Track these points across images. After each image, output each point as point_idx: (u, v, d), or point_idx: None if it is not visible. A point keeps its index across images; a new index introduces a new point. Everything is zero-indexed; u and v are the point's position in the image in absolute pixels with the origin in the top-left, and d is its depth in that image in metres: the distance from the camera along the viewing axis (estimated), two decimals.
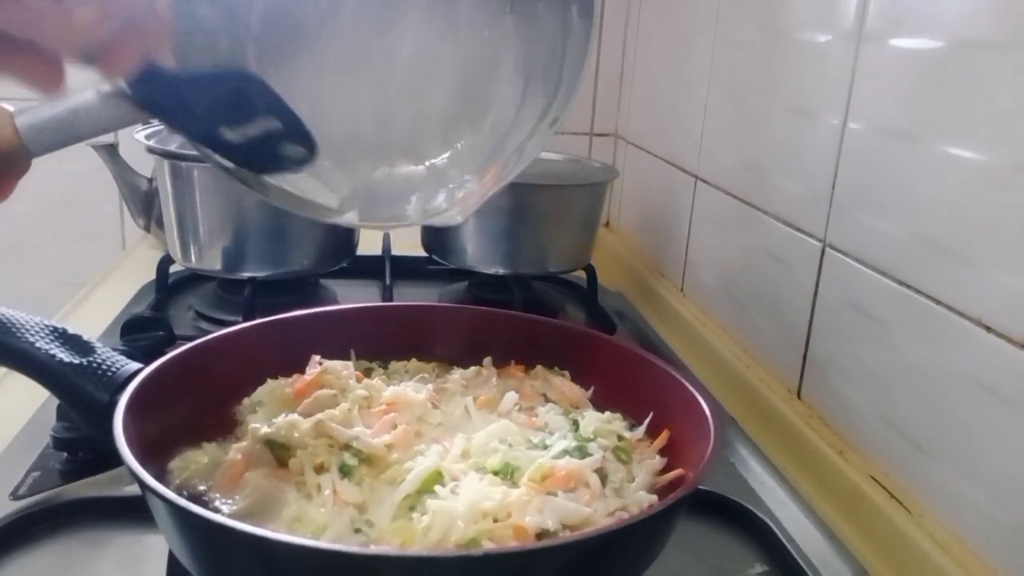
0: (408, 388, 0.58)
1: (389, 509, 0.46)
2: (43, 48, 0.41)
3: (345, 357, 0.63)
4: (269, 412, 0.56)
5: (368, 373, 0.63)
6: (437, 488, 0.47)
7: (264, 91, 0.52)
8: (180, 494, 0.46)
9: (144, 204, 1.14)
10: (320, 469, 0.50)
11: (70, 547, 0.57)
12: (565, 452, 0.52)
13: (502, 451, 0.51)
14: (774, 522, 0.61)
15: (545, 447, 0.53)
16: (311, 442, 0.51)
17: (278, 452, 0.51)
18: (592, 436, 0.55)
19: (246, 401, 0.58)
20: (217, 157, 0.53)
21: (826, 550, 0.61)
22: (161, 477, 0.50)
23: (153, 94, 0.48)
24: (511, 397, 0.60)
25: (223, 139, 0.52)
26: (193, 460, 0.52)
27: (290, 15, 0.58)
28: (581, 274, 1.10)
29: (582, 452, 0.52)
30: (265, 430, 0.52)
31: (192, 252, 0.97)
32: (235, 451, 0.51)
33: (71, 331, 0.58)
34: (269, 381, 0.59)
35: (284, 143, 0.53)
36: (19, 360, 0.57)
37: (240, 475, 0.49)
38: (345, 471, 0.49)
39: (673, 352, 0.98)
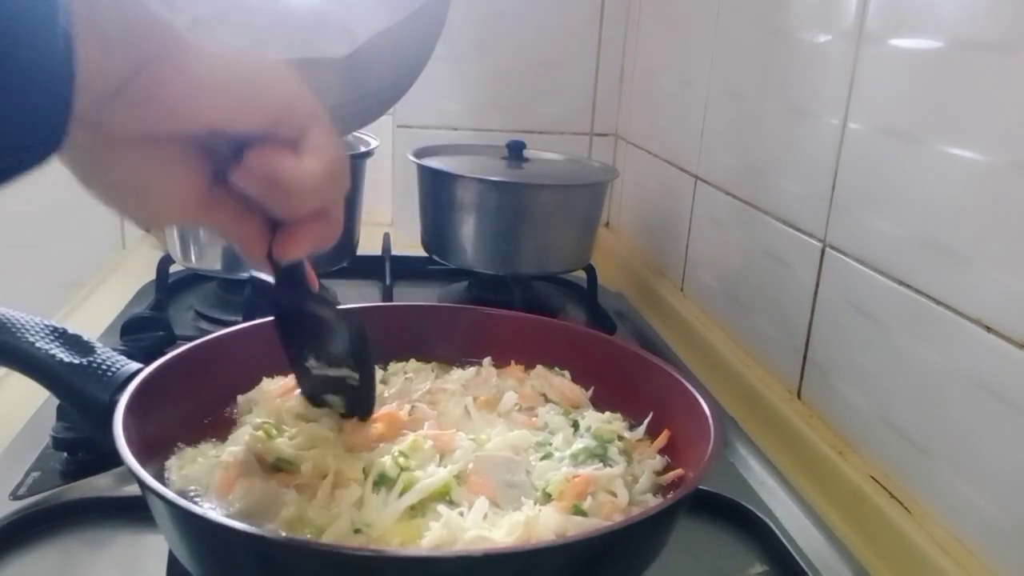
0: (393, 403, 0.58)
1: (392, 513, 0.46)
2: (266, 215, 0.43)
3: None
4: (263, 412, 0.55)
5: None
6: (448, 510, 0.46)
7: (367, 359, 0.52)
8: (179, 494, 0.46)
9: None
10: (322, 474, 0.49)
11: (70, 547, 0.57)
12: (587, 452, 0.52)
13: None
14: (774, 522, 0.61)
15: (548, 455, 0.53)
16: (307, 454, 0.50)
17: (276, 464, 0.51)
18: (609, 438, 0.55)
19: (240, 399, 0.58)
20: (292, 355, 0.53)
21: (826, 550, 0.61)
22: (160, 477, 0.50)
23: (287, 292, 0.48)
24: (511, 397, 0.60)
25: (304, 358, 0.52)
26: (189, 460, 0.52)
27: None
28: (581, 274, 1.10)
29: (603, 454, 0.53)
30: (261, 445, 0.51)
31: (192, 252, 0.97)
32: (224, 463, 0.50)
33: (71, 331, 0.58)
34: (264, 380, 0.59)
35: (350, 399, 0.54)
36: (19, 360, 0.57)
37: (232, 483, 0.48)
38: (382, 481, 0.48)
39: (673, 352, 0.98)
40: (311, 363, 0.52)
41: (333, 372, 0.52)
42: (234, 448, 0.51)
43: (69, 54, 0.29)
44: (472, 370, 0.64)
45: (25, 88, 0.28)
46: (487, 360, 0.65)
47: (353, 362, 0.52)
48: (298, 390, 0.56)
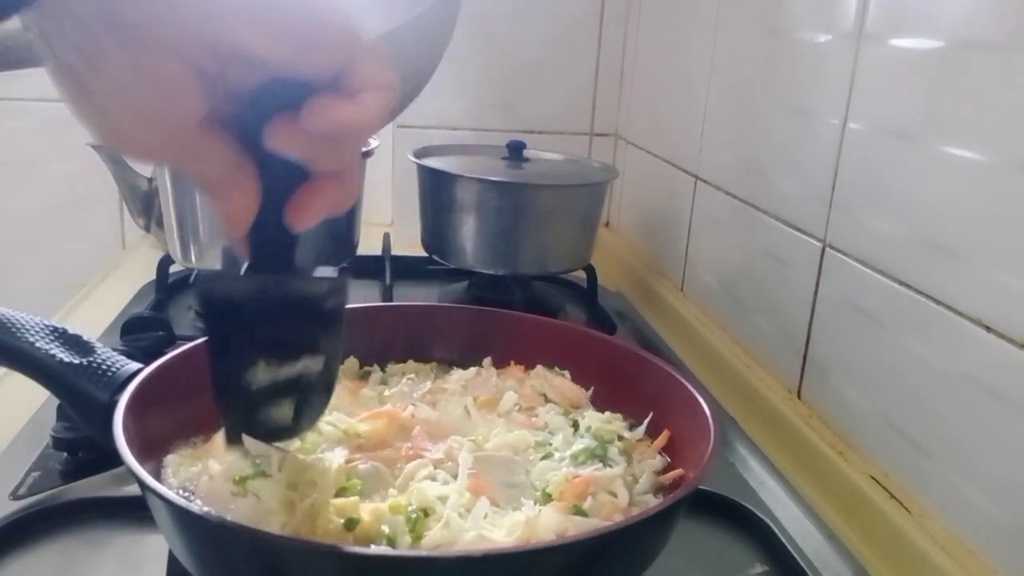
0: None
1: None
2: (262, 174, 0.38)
3: (344, 357, 0.63)
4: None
5: (366, 376, 0.63)
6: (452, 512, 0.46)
7: (335, 337, 0.44)
8: (179, 494, 0.46)
9: (144, 204, 1.14)
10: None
11: (70, 547, 0.57)
12: (587, 452, 0.52)
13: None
14: (774, 522, 0.61)
15: (548, 455, 0.53)
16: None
17: None
18: (609, 438, 0.55)
19: None
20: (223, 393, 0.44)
21: (826, 550, 0.61)
22: (160, 476, 0.50)
23: (264, 273, 0.41)
24: (511, 397, 0.60)
25: (245, 371, 0.43)
26: (189, 460, 0.51)
27: None
28: (581, 274, 1.10)
29: (603, 454, 0.53)
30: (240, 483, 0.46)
31: (192, 252, 0.97)
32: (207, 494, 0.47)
33: (71, 331, 0.58)
34: None
35: (302, 399, 0.45)
36: (19, 360, 0.57)
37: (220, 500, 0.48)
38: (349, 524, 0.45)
39: (673, 352, 0.98)
40: (255, 374, 0.43)
41: (286, 371, 0.43)
42: (217, 468, 0.48)
43: None
44: (472, 370, 0.64)
45: None
46: (487, 360, 0.65)
47: (320, 339, 0.44)
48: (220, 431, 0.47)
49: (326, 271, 0.44)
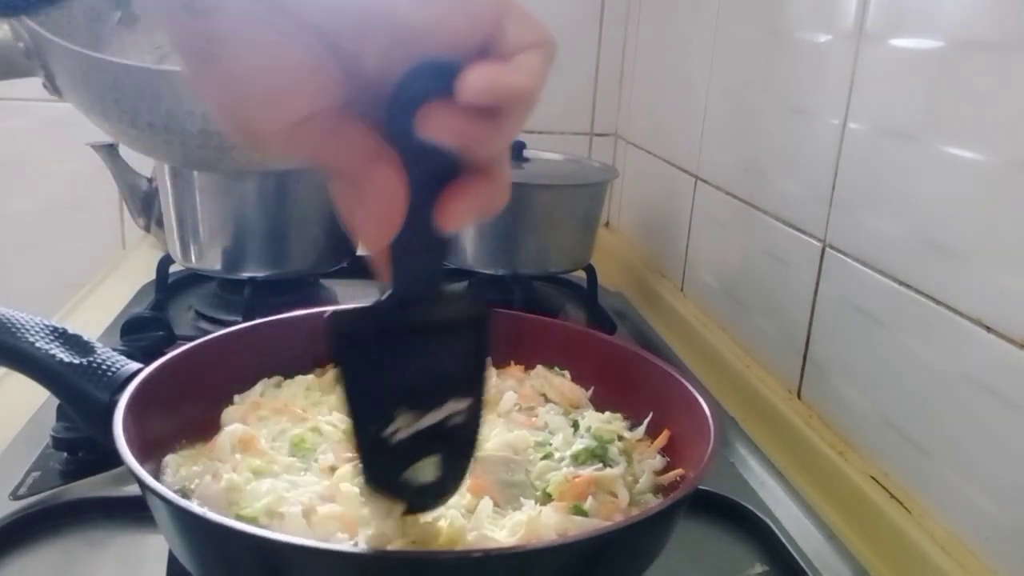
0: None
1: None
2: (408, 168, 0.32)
3: None
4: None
5: None
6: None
7: (481, 373, 0.37)
8: (178, 494, 0.46)
9: (144, 204, 1.14)
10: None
11: (70, 547, 0.57)
12: (587, 452, 0.52)
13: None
14: (774, 522, 0.61)
15: (548, 455, 0.53)
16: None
17: None
18: (609, 438, 0.55)
19: (236, 398, 0.58)
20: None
21: (826, 550, 0.61)
22: (159, 476, 0.50)
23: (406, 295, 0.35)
24: (511, 397, 0.60)
25: (388, 418, 0.37)
26: (188, 460, 0.52)
27: None
28: (581, 274, 1.10)
29: (603, 454, 0.53)
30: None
31: (192, 252, 0.97)
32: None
33: (71, 331, 0.58)
34: (260, 384, 0.60)
35: (449, 451, 0.39)
36: (19, 360, 0.57)
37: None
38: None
39: (673, 352, 0.98)
40: (397, 424, 0.37)
41: (430, 419, 0.37)
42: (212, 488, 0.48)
43: None
44: None
45: None
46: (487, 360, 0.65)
47: (467, 379, 0.38)
48: (358, 481, 0.42)
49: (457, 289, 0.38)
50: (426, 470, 0.39)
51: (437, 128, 0.31)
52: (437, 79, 0.30)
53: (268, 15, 0.29)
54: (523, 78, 0.30)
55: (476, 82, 0.29)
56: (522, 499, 0.49)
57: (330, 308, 0.37)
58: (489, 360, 0.40)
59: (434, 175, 0.32)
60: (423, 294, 0.36)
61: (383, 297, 0.36)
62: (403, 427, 0.37)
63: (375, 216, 0.32)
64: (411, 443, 0.37)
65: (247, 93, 0.30)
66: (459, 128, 0.31)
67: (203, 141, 0.71)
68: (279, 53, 0.29)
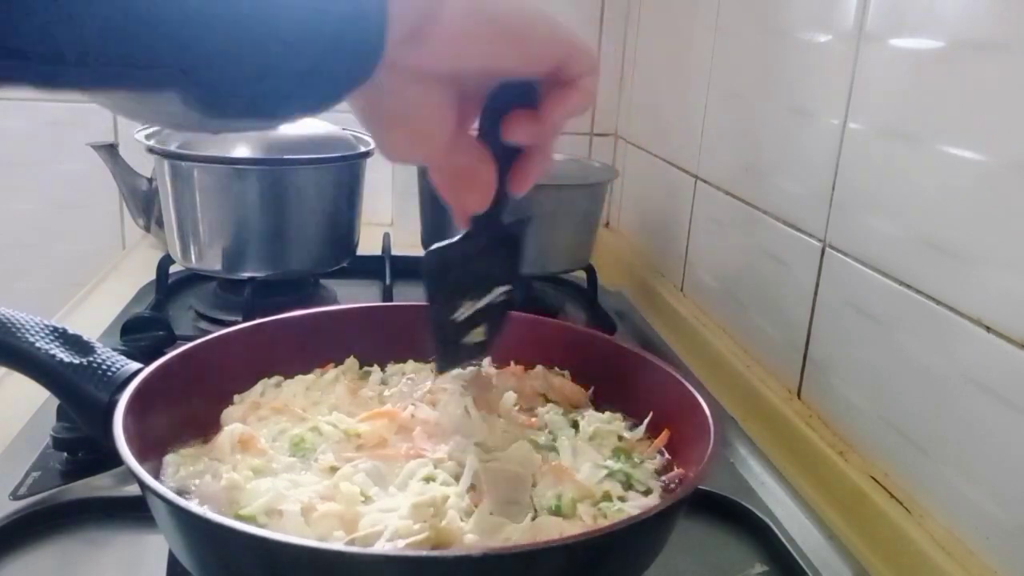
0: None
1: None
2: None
3: (345, 356, 0.64)
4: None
5: (366, 376, 0.63)
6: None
7: (518, 265, 0.54)
8: (178, 494, 0.46)
9: (144, 204, 1.14)
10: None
11: (70, 547, 0.57)
12: (610, 475, 0.52)
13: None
14: (774, 522, 0.61)
15: (553, 448, 0.53)
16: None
17: None
18: (640, 460, 0.55)
19: (236, 399, 0.58)
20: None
21: (826, 550, 0.61)
22: (159, 476, 0.50)
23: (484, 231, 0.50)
24: (511, 397, 0.60)
25: (454, 310, 0.53)
26: (188, 460, 0.52)
27: None
28: (581, 274, 1.10)
29: (627, 480, 0.52)
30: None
31: (192, 252, 0.97)
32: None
33: (71, 331, 0.58)
34: (260, 383, 0.60)
35: (495, 318, 0.55)
36: (19, 360, 0.56)
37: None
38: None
39: (673, 352, 0.98)
40: (460, 312, 0.53)
41: (485, 300, 0.53)
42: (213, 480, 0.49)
43: (383, 4, 0.34)
44: (472, 370, 0.64)
45: (348, 31, 0.34)
46: (487, 360, 0.65)
47: (507, 272, 0.53)
48: (431, 368, 0.60)
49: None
50: (477, 335, 0.54)
51: (520, 133, 0.45)
52: (517, 95, 0.44)
53: (417, 79, 0.40)
54: (585, 98, 0.44)
55: (556, 107, 0.44)
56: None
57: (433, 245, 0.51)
58: (523, 254, 0.53)
59: (507, 158, 0.47)
60: (488, 231, 0.51)
61: (461, 236, 0.51)
62: (465, 311, 0.53)
63: (477, 197, 0.47)
64: (469, 320, 0.53)
65: (406, 134, 0.43)
66: (535, 132, 0.45)
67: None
68: (425, 103, 0.41)
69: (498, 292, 0.54)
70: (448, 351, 0.55)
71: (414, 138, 0.43)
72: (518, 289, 0.55)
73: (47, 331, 0.58)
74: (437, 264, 0.52)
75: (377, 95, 0.40)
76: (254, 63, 0.31)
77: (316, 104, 0.35)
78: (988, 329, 0.56)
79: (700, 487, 0.48)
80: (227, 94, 0.32)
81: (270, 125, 0.37)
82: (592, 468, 0.52)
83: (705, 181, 1.04)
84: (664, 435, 0.57)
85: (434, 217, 1.06)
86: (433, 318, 0.53)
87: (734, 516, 0.63)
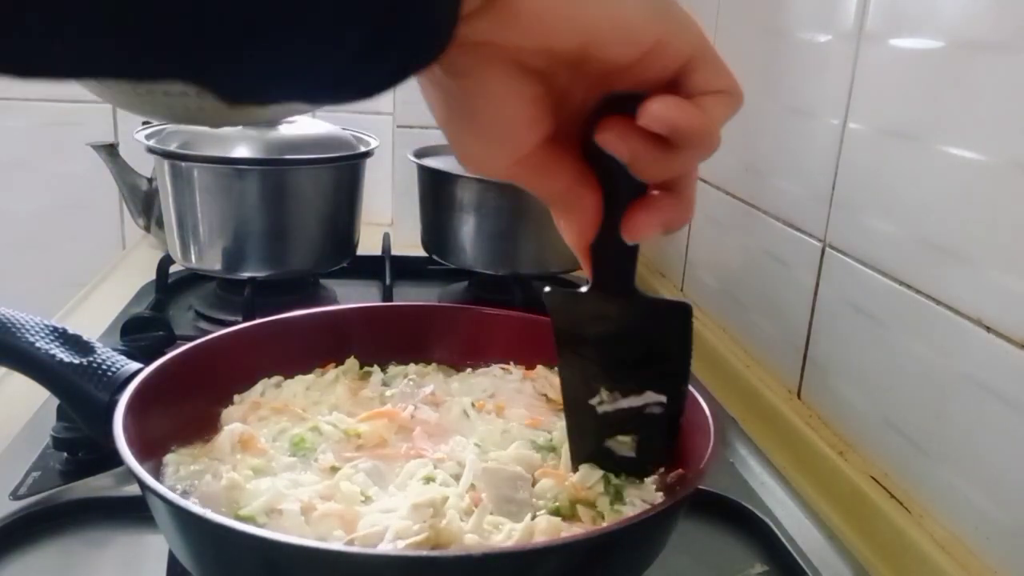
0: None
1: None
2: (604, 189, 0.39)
3: (345, 357, 0.63)
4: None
5: (366, 376, 0.63)
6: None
7: (678, 377, 0.44)
8: (178, 494, 0.46)
9: (144, 204, 1.14)
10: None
11: (70, 547, 0.57)
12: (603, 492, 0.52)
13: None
14: (774, 522, 0.61)
15: (552, 448, 0.53)
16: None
17: None
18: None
19: (236, 399, 0.58)
20: None
21: (826, 550, 0.61)
22: (159, 476, 0.50)
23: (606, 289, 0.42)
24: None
25: (592, 393, 0.45)
26: (188, 460, 0.52)
27: None
28: (581, 274, 1.10)
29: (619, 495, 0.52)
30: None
31: (192, 252, 0.97)
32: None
33: (71, 331, 0.58)
34: (260, 383, 0.60)
35: (646, 437, 0.46)
36: (19, 360, 0.56)
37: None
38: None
39: None
40: (600, 398, 0.45)
41: (628, 403, 0.44)
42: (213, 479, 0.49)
43: None
44: (472, 371, 0.64)
45: None
46: (490, 363, 0.65)
47: (665, 376, 0.44)
48: (564, 460, 0.48)
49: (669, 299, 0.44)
50: (624, 446, 0.46)
51: (610, 139, 0.35)
52: (626, 107, 0.35)
53: (500, 61, 0.33)
54: (700, 118, 0.35)
55: (654, 110, 0.34)
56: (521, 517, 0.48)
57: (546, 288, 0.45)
58: (687, 365, 0.44)
59: (626, 191, 0.38)
60: (618, 289, 0.43)
61: (588, 287, 0.43)
62: (606, 402, 0.45)
63: (576, 224, 0.40)
64: (613, 418, 0.45)
65: (484, 133, 0.36)
66: (631, 144, 0.35)
67: (200, 102, 0.71)
68: (508, 92, 0.34)
69: (651, 399, 0.45)
70: (585, 441, 0.47)
71: (494, 139, 0.36)
72: (674, 403, 0.44)
73: (47, 331, 0.58)
74: (560, 307, 0.44)
75: (451, 84, 0.34)
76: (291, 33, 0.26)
77: (371, 87, 0.29)
78: (988, 329, 0.56)
79: (700, 487, 0.48)
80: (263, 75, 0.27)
81: (311, 109, 0.33)
82: (589, 469, 0.52)
83: (705, 181, 1.04)
84: None
85: (434, 217, 1.06)
86: (564, 377, 0.45)
87: (734, 516, 0.63)
